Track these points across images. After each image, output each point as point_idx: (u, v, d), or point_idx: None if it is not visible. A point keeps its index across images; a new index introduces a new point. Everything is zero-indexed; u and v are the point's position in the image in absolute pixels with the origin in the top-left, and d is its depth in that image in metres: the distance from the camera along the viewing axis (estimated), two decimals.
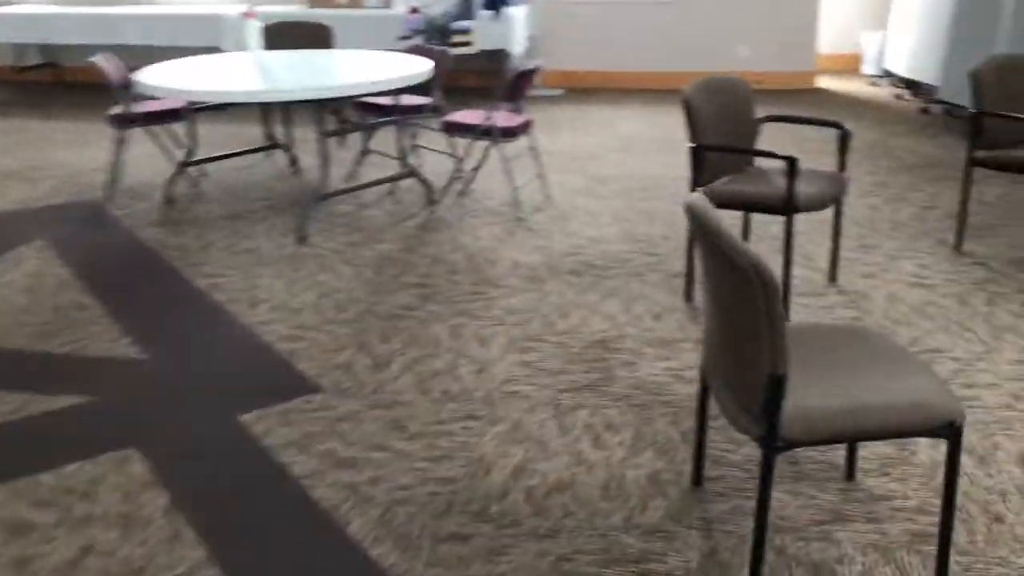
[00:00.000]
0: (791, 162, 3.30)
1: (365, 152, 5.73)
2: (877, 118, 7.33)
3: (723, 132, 3.62)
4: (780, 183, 3.49)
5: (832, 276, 3.91)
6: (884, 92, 8.59)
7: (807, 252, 4.23)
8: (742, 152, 3.56)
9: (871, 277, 3.92)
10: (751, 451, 2.62)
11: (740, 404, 1.95)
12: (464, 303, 3.69)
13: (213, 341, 3.38)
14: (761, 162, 3.75)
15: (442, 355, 3.25)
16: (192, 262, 4.18)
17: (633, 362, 3.18)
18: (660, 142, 6.53)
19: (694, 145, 3.47)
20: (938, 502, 2.37)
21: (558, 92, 8.67)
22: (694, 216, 1.93)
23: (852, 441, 1.98)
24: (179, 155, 5.38)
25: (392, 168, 5.48)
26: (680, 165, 5.86)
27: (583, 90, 8.74)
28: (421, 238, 4.48)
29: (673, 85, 8.72)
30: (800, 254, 4.20)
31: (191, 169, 5.45)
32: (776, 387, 1.82)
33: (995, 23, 6.32)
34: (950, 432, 1.88)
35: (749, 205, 3.45)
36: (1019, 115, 4.04)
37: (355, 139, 6.25)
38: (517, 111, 5.00)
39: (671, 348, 3.28)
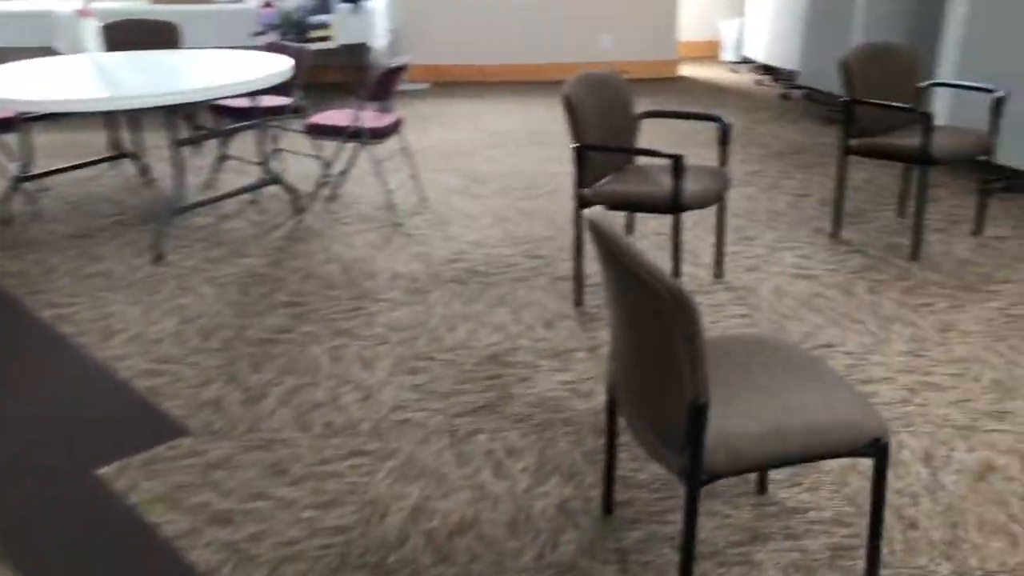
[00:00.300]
0: (677, 160, 3.20)
1: (223, 158, 5.36)
2: (741, 105, 7.43)
3: (604, 129, 3.50)
4: (665, 181, 3.40)
5: (718, 272, 3.86)
6: (745, 78, 8.74)
7: (691, 248, 4.17)
8: (628, 152, 3.45)
9: (755, 270, 3.89)
10: (659, 469, 2.50)
11: (659, 435, 1.81)
12: (343, 321, 3.45)
13: (61, 382, 3.02)
14: (643, 157, 3.65)
15: (322, 383, 3.00)
16: (33, 290, 3.76)
17: (529, 377, 3.01)
18: (533, 136, 6.40)
19: (578, 146, 3.33)
20: (852, 510, 2.31)
21: (423, 87, 8.44)
22: (600, 236, 1.77)
23: (777, 467, 1.87)
24: (13, 169, 4.88)
25: (253, 175, 5.14)
26: (556, 160, 5.74)
27: (449, 84, 8.54)
28: (290, 250, 4.19)
29: (539, 77, 8.62)
30: (684, 250, 4.14)
31: (28, 184, 4.96)
32: (698, 417, 1.69)
33: (851, 9, 6.47)
34: (876, 450, 1.80)
35: (636, 205, 3.34)
36: (889, 103, 4.10)
37: (211, 144, 5.85)
38: (386, 110, 4.76)
39: (565, 359, 3.14)
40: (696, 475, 1.72)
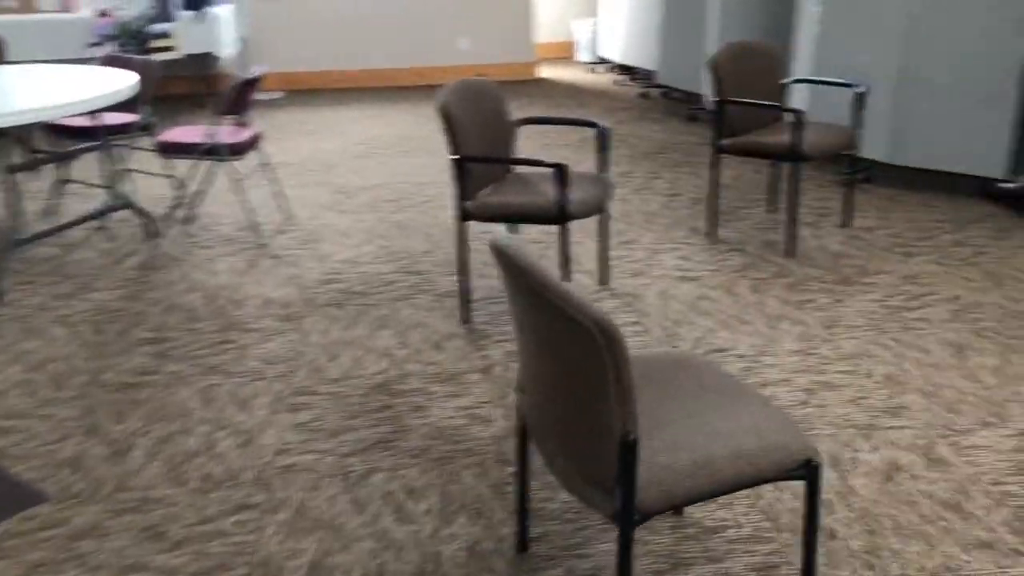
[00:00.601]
0: (561, 169, 3.09)
1: (63, 182, 4.92)
2: (602, 105, 7.46)
3: (482, 138, 3.36)
4: (549, 190, 3.29)
5: (603, 279, 3.78)
6: (603, 79, 8.80)
7: (573, 255, 4.09)
8: (510, 162, 3.32)
9: (639, 275, 3.84)
10: (569, 496, 2.38)
11: (584, 475, 1.68)
12: (211, 357, 3.18)
13: None
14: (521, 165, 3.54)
15: (195, 429, 2.74)
16: None
17: (423, 406, 2.84)
18: (400, 144, 6.20)
19: (458, 157, 3.18)
20: (769, 525, 2.25)
21: (278, 96, 8.09)
22: (510, 264, 1.62)
23: (710, 498, 1.77)
24: None
25: (100, 199, 4.74)
26: (426, 168, 5.57)
27: (305, 92, 8.22)
28: (146, 281, 3.86)
29: (399, 82, 8.41)
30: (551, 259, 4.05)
31: None
32: (629, 455, 1.57)
33: (705, 9, 6.58)
34: (808, 472, 1.73)
35: (521, 217, 3.21)
36: (760, 101, 4.13)
37: (50, 168, 5.37)
38: (242, 124, 4.47)
39: (459, 383, 2.98)
40: (629, 517, 1.60)
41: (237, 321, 3.45)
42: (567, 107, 7.33)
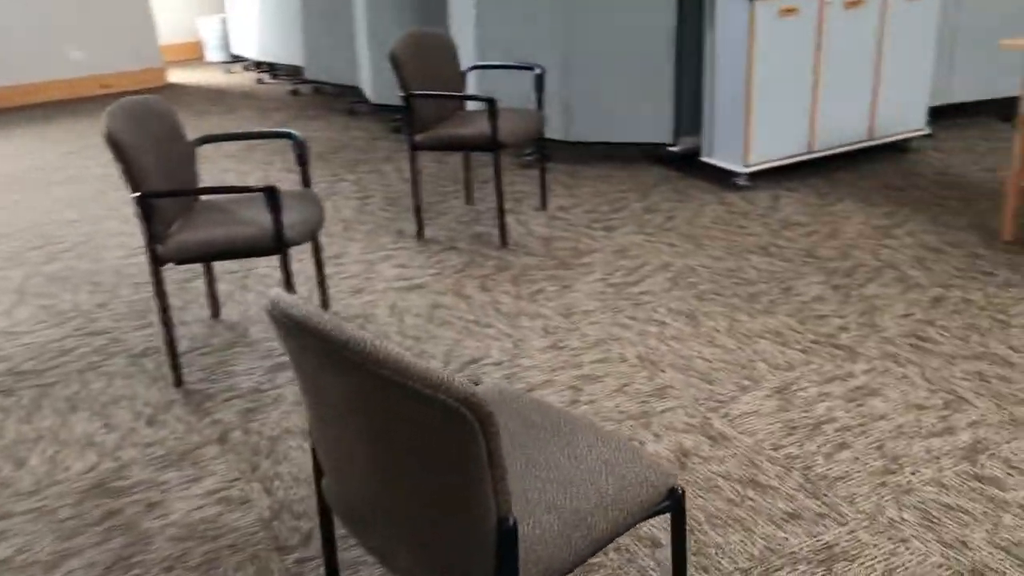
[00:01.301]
0: (271, 193, 2.70)
1: None
2: (253, 107, 6.94)
3: (159, 167, 2.84)
4: (255, 217, 2.87)
5: (325, 302, 3.43)
6: (244, 78, 8.23)
7: (274, 280, 3.68)
8: (200, 192, 2.85)
9: (361, 292, 3.54)
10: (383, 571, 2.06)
11: (447, 570, 1.39)
12: None
13: None
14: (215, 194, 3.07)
15: None
16: None
17: (158, 501, 2.34)
18: (28, 176, 5.27)
19: (140, 195, 2.65)
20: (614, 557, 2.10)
21: None
22: (315, 335, 1.28)
23: (591, 556, 1.56)
24: None
25: None
26: (72, 200, 4.77)
27: None
28: None
29: (7, 103, 7.21)
30: (269, 284, 3.63)
31: None
32: (509, 542, 1.31)
33: None
34: (674, 501, 1.58)
35: (228, 252, 2.77)
36: (450, 93, 3.97)
37: None
38: None
39: (194, 462, 2.50)
40: None
41: None
42: (213, 114, 6.72)
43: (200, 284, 3.67)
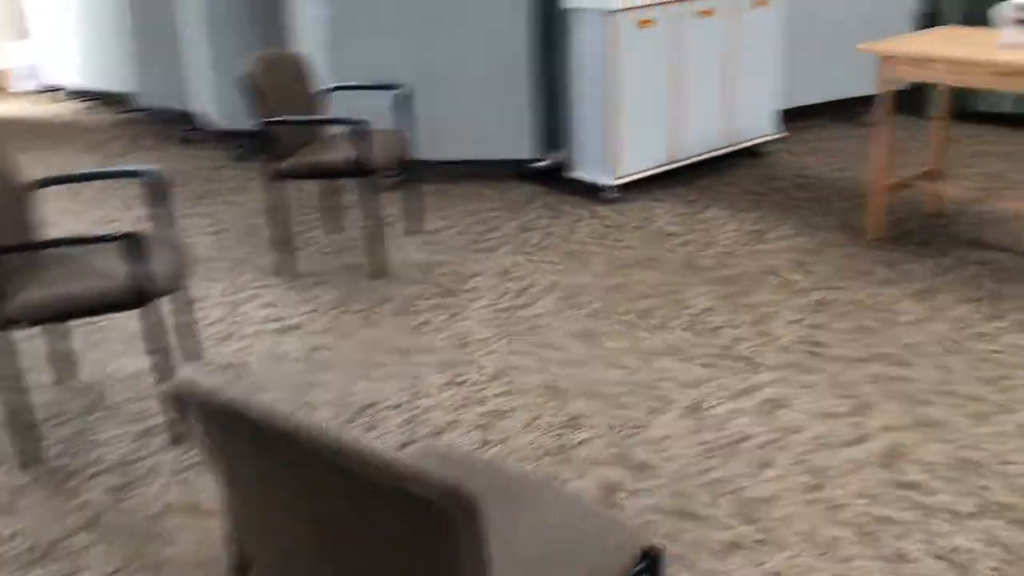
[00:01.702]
0: (132, 240, 2.40)
1: None
2: (80, 139, 6.40)
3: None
4: (109, 268, 2.55)
5: (197, 353, 3.11)
6: (65, 109, 7.60)
7: (119, 336, 3.32)
8: (41, 247, 2.51)
9: (230, 339, 3.24)
10: None
11: None
12: None
13: None
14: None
15: None
16: None
17: None
18: None
19: None
20: None
21: None
22: (234, 416, 1.06)
23: None
24: None
25: None
26: None
27: None
28: None
29: None
30: (114, 340, 3.28)
31: None
32: None
33: (174, 22, 5.90)
34: (653, 561, 1.44)
35: (87, 309, 2.44)
36: (305, 117, 3.72)
37: None
38: None
39: (65, 556, 2.17)
40: None
41: None
42: (38, 149, 6.14)
43: (37, 345, 3.27)
